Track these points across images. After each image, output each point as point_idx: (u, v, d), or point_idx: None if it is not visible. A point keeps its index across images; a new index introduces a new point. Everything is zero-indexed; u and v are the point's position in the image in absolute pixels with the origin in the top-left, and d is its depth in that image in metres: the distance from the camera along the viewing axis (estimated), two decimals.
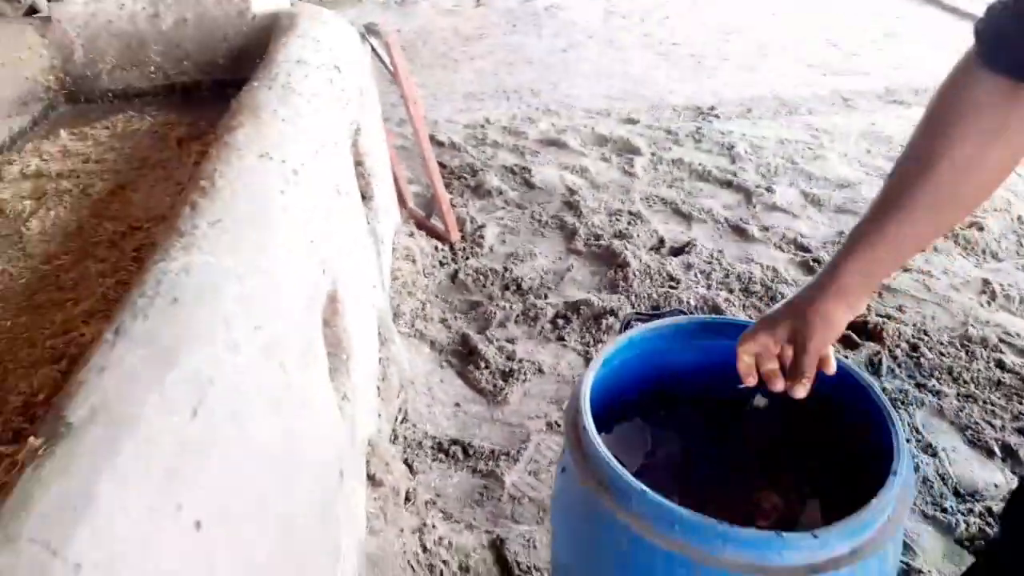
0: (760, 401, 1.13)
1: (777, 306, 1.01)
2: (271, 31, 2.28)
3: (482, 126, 3.91)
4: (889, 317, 2.37)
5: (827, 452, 1.14)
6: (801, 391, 0.97)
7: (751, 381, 1.01)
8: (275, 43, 2.04)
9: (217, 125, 1.80)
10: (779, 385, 0.99)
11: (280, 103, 1.66)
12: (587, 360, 2.28)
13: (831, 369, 0.99)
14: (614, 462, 0.94)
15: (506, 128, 3.89)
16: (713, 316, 1.38)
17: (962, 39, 0.85)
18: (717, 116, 3.93)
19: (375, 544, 1.50)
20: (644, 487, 0.90)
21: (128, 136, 2.10)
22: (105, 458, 0.78)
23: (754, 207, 3.05)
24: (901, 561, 1.64)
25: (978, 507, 1.78)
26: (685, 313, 1.23)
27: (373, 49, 2.51)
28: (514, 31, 5.38)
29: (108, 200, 1.77)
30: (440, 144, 3.70)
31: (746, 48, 4.85)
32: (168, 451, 0.82)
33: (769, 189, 3.17)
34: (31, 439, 0.81)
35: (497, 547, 1.71)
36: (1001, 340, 2.27)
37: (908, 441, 1.00)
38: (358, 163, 2.20)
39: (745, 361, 1.01)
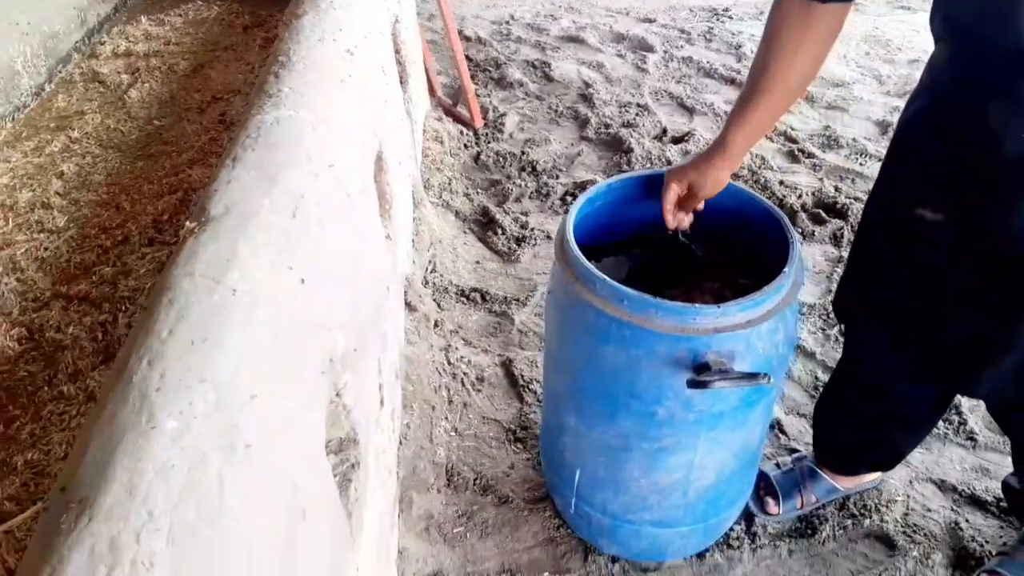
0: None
1: (681, 163, 1.42)
2: None
3: (507, 22, 4.17)
4: (856, 199, 2.70)
5: (750, 266, 1.50)
6: (686, 222, 1.46)
7: (672, 223, 1.46)
8: None
9: (280, 14, 2.14)
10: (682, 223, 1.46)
11: None
12: None
13: (699, 209, 1.46)
14: (584, 260, 1.32)
15: (529, 24, 4.14)
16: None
17: None
18: (730, 17, 4.15)
19: (411, 351, 1.93)
20: (604, 276, 1.29)
21: (199, 23, 2.44)
22: (240, 233, 1.17)
23: None
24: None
25: None
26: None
27: None
28: None
29: (191, 76, 2.13)
30: (467, 39, 3.97)
31: None
32: (279, 234, 1.22)
33: None
34: (187, 223, 1.21)
35: (507, 365, 2.14)
36: None
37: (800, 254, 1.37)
38: (396, 51, 2.52)
39: (667, 210, 1.44)
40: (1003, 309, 1.21)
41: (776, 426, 1.94)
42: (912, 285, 1.31)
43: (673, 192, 1.41)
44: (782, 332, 1.34)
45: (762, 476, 1.76)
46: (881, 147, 3.02)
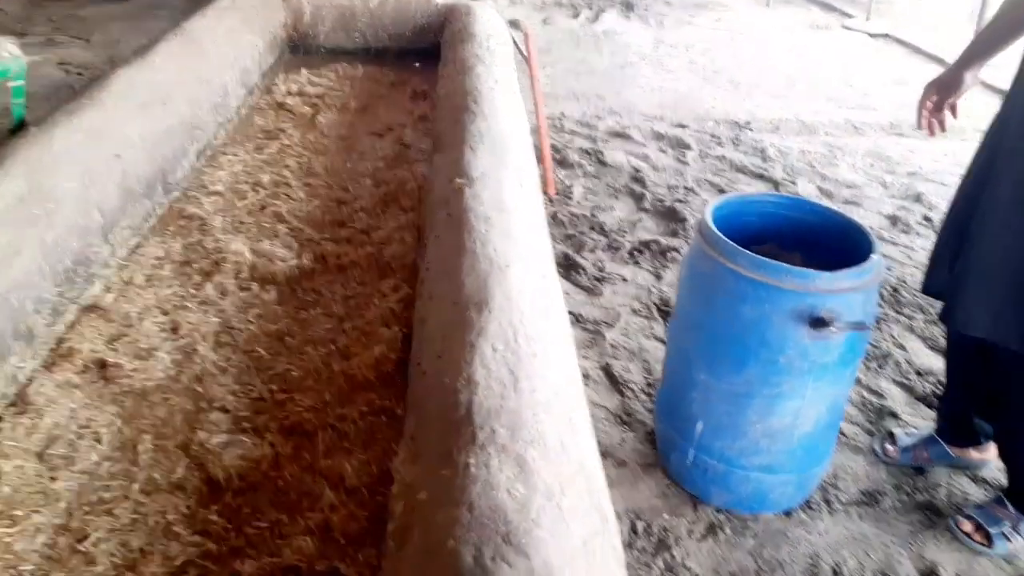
0: None
1: (935, 77, 1.97)
2: (446, 16, 3.15)
3: (559, 118, 4.78)
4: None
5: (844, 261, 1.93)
6: (937, 126, 1.97)
7: (923, 125, 1.98)
8: (465, 20, 2.90)
9: (416, 76, 2.65)
10: (931, 128, 1.98)
11: (487, 53, 2.52)
12: (658, 278, 3.12)
13: (956, 115, 1.97)
14: (727, 239, 1.77)
15: (579, 121, 4.75)
16: (774, 193, 2.20)
17: None
18: (751, 129, 4.80)
19: None
20: (741, 247, 1.73)
21: (351, 78, 2.95)
22: (499, 185, 1.61)
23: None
24: (879, 402, 2.47)
25: (931, 379, 2.61)
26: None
27: (513, 39, 3.37)
28: (578, 48, 6.29)
29: (362, 112, 2.61)
30: None
31: (776, 80, 5.73)
32: (517, 188, 1.65)
33: (793, 182, 4.03)
34: (456, 179, 1.65)
35: (606, 369, 2.54)
36: None
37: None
38: None
39: (922, 112, 1.97)
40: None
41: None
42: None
43: (925, 98, 1.96)
44: (872, 303, 1.79)
45: (889, 434, 2.26)
46: (894, 234, 3.58)
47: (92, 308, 1.55)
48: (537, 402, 1.03)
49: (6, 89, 2.02)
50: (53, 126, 1.72)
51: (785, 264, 1.70)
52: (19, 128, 2.08)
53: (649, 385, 2.51)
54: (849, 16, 7.46)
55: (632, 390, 2.47)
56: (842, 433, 2.33)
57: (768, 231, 2.05)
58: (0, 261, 1.38)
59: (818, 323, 1.70)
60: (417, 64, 3.13)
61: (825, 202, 3.87)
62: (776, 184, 4.02)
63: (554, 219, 3.49)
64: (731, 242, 1.77)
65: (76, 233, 1.56)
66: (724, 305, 1.81)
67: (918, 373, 2.66)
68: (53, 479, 1.17)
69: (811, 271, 1.69)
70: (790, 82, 5.72)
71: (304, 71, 2.94)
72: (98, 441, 1.22)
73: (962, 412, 2.16)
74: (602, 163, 4.17)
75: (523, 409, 1.00)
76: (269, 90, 2.76)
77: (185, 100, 2.16)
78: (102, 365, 1.38)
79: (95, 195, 1.64)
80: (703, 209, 2.07)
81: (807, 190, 3.99)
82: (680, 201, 3.71)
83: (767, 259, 1.71)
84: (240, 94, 2.55)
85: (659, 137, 4.57)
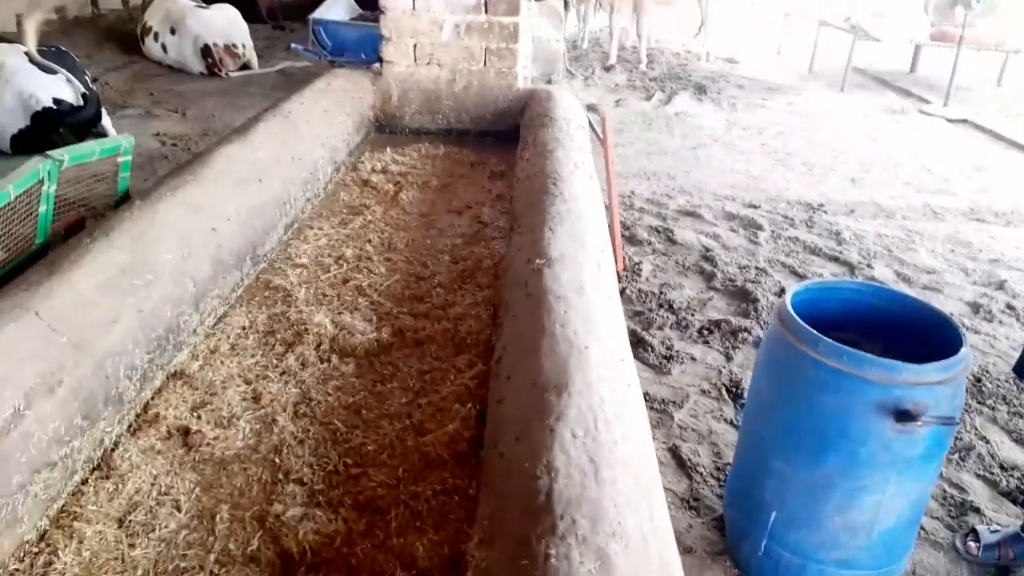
0: None
1: None
2: (527, 100, 3.24)
3: (629, 196, 4.83)
4: None
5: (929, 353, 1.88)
6: None
7: None
8: (545, 105, 2.99)
9: (494, 157, 2.73)
10: None
11: (567, 137, 2.58)
12: (728, 358, 3.07)
13: None
14: (808, 327, 1.74)
15: (649, 200, 4.79)
16: (855, 280, 2.15)
17: None
18: (826, 212, 4.75)
19: None
20: (822, 335, 1.70)
21: (433, 157, 3.05)
22: (577, 267, 1.63)
23: (856, 277, 3.83)
24: (961, 496, 2.35)
25: (1016, 474, 2.48)
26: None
27: (589, 121, 3.45)
28: (649, 129, 6.38)
29: (442, 190, 2.69)
30: None
31: (850, 164, 5.69)
32: (595, 269, 1.66)
33: (869, 266, 3.95)
34: (536, 260, 1.67)
35: (674, 451, 2.49)
36: None
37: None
38: None
39: None
40: None
41: None
42: None
43: None
44: (960, 397, 1.72)
45: (972, 530, 2.16)
46: (976, 322, 3.45)
47: (178, 375, 1.61)
48: (618, 492, 1.02)
49: (116, 163, 2.16)
50: (157, 200, 1.83)
51: (870, 355, 1.66)
52: (123, 199, 2.22)
53: (718, 469, 2.45)
54: (926, 102, 7.40)
55: (700, 474, 2.41)
56: (922, 528, 2.22)
57: (848, 318, 2.01)
58: (99, 329, 1.46)
59: (904, 416, 1.64)
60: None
61: (903, 287, 3.78)
62: (852, 268, 3.95)
63: (622, 295, 3.49)
64: (813, 330, 1.74)
65: (170, 303, 1.64)
66: (803, 393, 1.77)
67: (1002, 467, 2.53)
68: (132, 546, 1.20)
69: (898, 363, 1.65)
70: (865, 166, 5.67)
71: (388, 150, 3.05)
72: (177, 509, 1.26)
73: None
74: (672, 241, 4.18)
75: (604, 499, 1.00)
76: (355, 167, 2.88)
77: (279, 178, 2.27)
78: (185, 432, 1.42)
79: (191, 266, 1.72)
80: (780, 293, 2.06)
81: (884, 275, 3.90)
82: (752, 281, 3.67)
83: (851, 349, 1.68)
84: (328, 171, 2.67)
85: (730, 217, 4.56)
